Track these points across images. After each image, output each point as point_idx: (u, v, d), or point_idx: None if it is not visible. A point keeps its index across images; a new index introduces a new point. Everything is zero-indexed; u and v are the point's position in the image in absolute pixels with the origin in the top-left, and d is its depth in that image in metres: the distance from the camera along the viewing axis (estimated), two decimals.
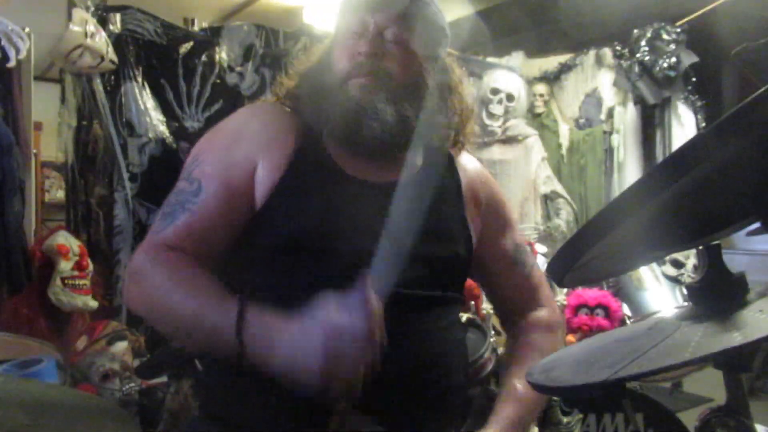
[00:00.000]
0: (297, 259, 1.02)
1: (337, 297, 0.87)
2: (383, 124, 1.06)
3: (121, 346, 2.22)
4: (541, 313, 1.19)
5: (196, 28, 3.19)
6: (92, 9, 2.73)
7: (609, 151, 3.71)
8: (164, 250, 1.00)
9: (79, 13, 2.57)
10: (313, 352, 0.84)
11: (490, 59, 3.80)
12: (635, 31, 3.57)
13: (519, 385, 1.06)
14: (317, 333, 0.85)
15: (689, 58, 3.46)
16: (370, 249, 1.01)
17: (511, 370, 1.10)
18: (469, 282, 1.29)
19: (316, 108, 1.10)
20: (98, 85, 2.79)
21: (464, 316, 1.68)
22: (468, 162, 1.24)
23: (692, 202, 0.66)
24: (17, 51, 2.28)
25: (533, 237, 3.42)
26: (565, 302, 2.56)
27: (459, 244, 1.12)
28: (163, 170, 2.86)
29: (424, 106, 1.11)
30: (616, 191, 3.61)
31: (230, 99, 3.15)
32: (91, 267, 2.41)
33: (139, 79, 2.90)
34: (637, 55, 3.55)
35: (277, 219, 1.03)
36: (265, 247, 1.04)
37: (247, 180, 1.05)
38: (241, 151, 1.06)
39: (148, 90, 2.93)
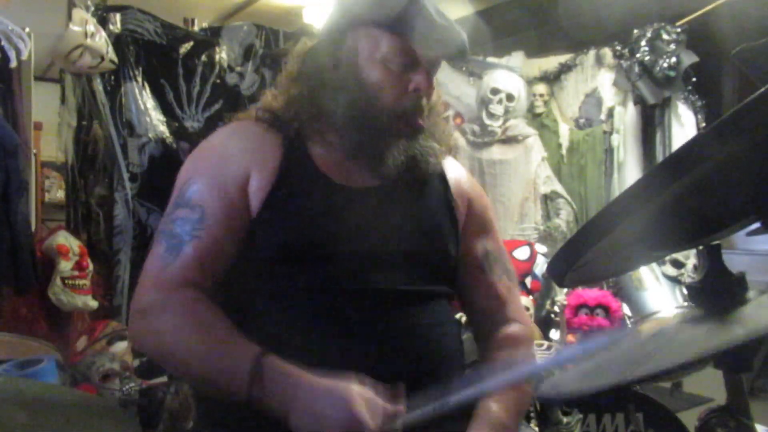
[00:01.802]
0: (290, 269, 1.02)
1: (365, 390, 0.88)
2: (425, 167, 1.10)
3: (121, 346, 2.22)
4: (511, 329, 1.16)
5: (196, 28, 3.19)
6: (92, 9, 2.73)
7: (609, 151, 3.71)
8: (176, 288, 0.99)
9: (79, 13, 2.56)
10: (327, 423, 0.85)
11: (490, 59, 3.80)
12: (635, 31, 3.56)
13: (494, 406, 1.03)
14: (334, 403, 0.86)
15: (689, 58, 3.45)
16: (363, 253, 1.02)
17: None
18: None
19: (332, 126, 1.08)
20: (98, 85, 2.79)
21: (464, 317, 1.67)
22: (453, 164, 1.25)
23: (692, 202, 0.66)
24: (18, 51, 2.28)
25: (533, 237, 3.42)
26: (565, 302, 2.56)
27: (449, 240, 1.13)
28: (163, 170, 2.85)
29: (434, 117, 1.15)
30: (616, 191, 3.60)
31: (230, 99, 3.15)
32: (91, 267, 2.41)
33: (139, 79, 2.90)
34: (637, 55, 3.54)
35: (269, 231, 1.04)
36: (259, 258, 1.04)
37: (244, 196, 1.05)
38: (232, 169, 1.06)
39: (148, 90, 2.93)
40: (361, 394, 0.87)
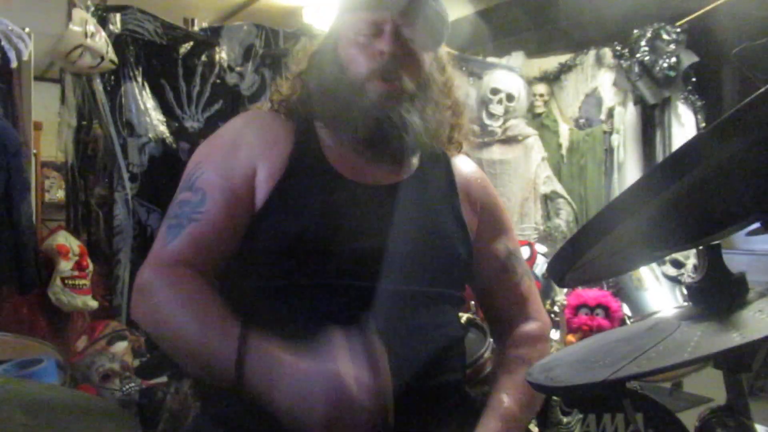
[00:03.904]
0: (295, 263, 1.02)
1: (342, 341, 0.86)
2: (410, 134, 1.07)
3: (121, 346, 2.22)
4: (530, 326, 1.17)
5: (196, 28, 3.18)
6: (92, 9, 2.72)
7: (609, 151, 3.71)
8: (171, 266, 1.00)
9: (79, 13, 2.56)
10: (314, 402, 0.83)
11: (490, 59, 3.80)
12: (635, 31, 3.56)
13: (506, 399, 1.04)
14: (320, 382, 0.84)
15: (689, 58, 3.46)
16: (368, 251, 1.01)
17: (499, 383, 1.09)
18: None
19: (324, 110, 1.10)
20: (98, 85, 2.79)
21: (464, 316, 1.67)
22: (464, 163, 1.24)
23: (692, 202, 0.66)
24: (18, 52, 2.28)
25: (533, 237, 3.42)
26: (565, 302, 2.55)
27: (457, 243, 1.12)
28: (163, 170, 2.85)
29: (428, 106, 1.12)
30: (616, 191, 3.61)
31: (230, 99, 3.14)
32: (91, 267, 2.41)
33: (139, 79, 2.90)
34: (637, 55, 3.54)
35: (275, 223, 1.04)
36: (264, 251, 1.04)
37: (248, 186, 1.06)
38: (240, 158, 1.07)
39: (148, 90, 2.93)
40: (347, 372, 0.85)
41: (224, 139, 1.13)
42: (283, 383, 0.86)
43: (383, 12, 1.07)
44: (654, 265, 2.64)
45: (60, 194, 4.54)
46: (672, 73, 3.45)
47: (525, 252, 2.86)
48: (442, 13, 1.12)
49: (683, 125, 3.49)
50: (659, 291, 2.62)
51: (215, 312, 0.95)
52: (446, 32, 1.14)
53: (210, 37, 3.16)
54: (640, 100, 3.61)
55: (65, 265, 2.28)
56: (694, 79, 3.52)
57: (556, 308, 2.65)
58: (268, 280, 1.03)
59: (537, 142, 3.66)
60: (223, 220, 1.03)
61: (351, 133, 1.07)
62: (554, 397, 1.48)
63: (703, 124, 3.50)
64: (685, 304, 0.72)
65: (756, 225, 0.70)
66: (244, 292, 1.05)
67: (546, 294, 2.73)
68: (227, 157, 1.08)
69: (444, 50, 1.20)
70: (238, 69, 3.20)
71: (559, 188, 3.64)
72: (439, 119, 1.14)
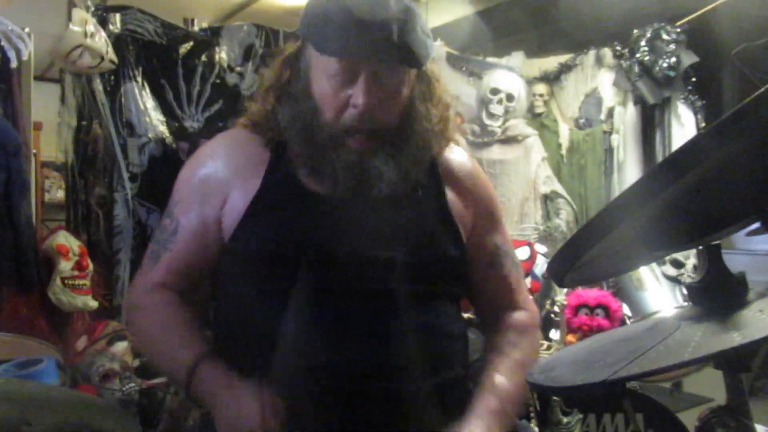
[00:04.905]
0: (275, 280, 1.02)
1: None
2: (389, 184, 1.05)
3: (121, 346, 2.22)
4: (519, 315, 1.19)
5: (196, 28, 3.18)
6: (92, 9, 2.72)
7: (609, 151, 3.71)
8: (150, 291, 1.10)
9: (79, 13, 2.56)
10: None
11: (490, 59, 3.80)
12: (635, 31, 3.56)
13: (498, 377, 1.06)
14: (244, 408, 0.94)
15: (689, 58, 3.45)
16: (350, 267, 1.02)
17: (491, 364, 1.10)
18: None
19: (299, 149, 1.08)
20: (98, 85, 2.78)
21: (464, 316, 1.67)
22: (453, 157, 1.20)
23: (692, 202, 0.66)
24: (18, 52, 2.28)
25: (533, 237, 3.42)
26: (565, 302, 2.56)
27: (446, 243, 1.11)
28: (163, 170, 2.85)
29: (409, 125, 1.08)
30: (616, 191, 3.60)
31: (230, 99, 3.14)
32: (91, 267, 2.41)
33: (139, 79, 2.90)
34: (637, 55, 3.54)
35: (250, 243, 1.05)
36: (242, 270, 1.07)
37: (218, 214, 1.08)
38: (213, 184, 1.09)
39: (148, 90, 2.92)
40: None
41: (198, 165, 1.15)
42: (218, 403, 0.98)
43: (356, 58, 0.99)
44: (654, 265, 2.64)
45: (60, 194, 4.54)
46: (672, 73, 3.44)
47: (525, 252, 2.87)
48: (422, 35, 1.01)
49: (683, 125, 3.49)
50: (659, 291, 2.62)
51: (180, 335, 1.06)
52: (429, 52, 1.05)
53: (210, 37, 3.16)
54: (640, 100, 3.61)
55: (65, 265, 2.28)
56: (694, 79, 3.51)
57: (556, 308, 2.65)
58: (248, 302, 1.05)
59: (537, 142, 3.66)
60: (194, 248, 1.10)
61: (326, 178, 1.06)
62: (554, 397, 1.48)
63: (703, 124, 3.50)
64: (685, 304, 0.72)
65: (756, 225, 0.70)
66: (229, 307, 1.11)
67: (546, 294, 2.73)
68: (200, 184, 1.11)
69: (434, 61, 1.14)
70: (238, 69, 3.20)
71: (559, 188, 3.64)
72: (423, 148, 1.10)
